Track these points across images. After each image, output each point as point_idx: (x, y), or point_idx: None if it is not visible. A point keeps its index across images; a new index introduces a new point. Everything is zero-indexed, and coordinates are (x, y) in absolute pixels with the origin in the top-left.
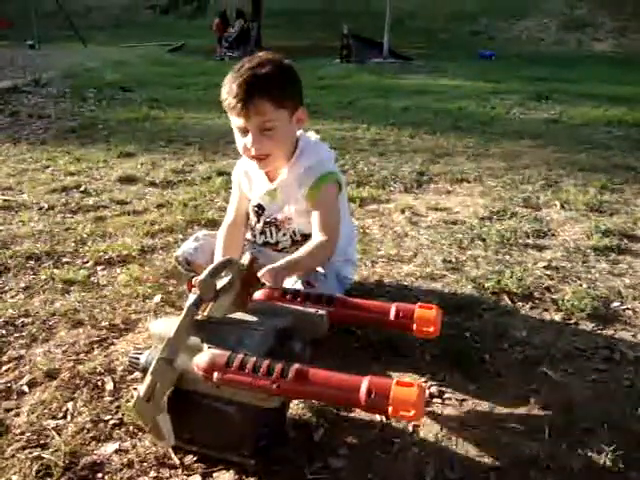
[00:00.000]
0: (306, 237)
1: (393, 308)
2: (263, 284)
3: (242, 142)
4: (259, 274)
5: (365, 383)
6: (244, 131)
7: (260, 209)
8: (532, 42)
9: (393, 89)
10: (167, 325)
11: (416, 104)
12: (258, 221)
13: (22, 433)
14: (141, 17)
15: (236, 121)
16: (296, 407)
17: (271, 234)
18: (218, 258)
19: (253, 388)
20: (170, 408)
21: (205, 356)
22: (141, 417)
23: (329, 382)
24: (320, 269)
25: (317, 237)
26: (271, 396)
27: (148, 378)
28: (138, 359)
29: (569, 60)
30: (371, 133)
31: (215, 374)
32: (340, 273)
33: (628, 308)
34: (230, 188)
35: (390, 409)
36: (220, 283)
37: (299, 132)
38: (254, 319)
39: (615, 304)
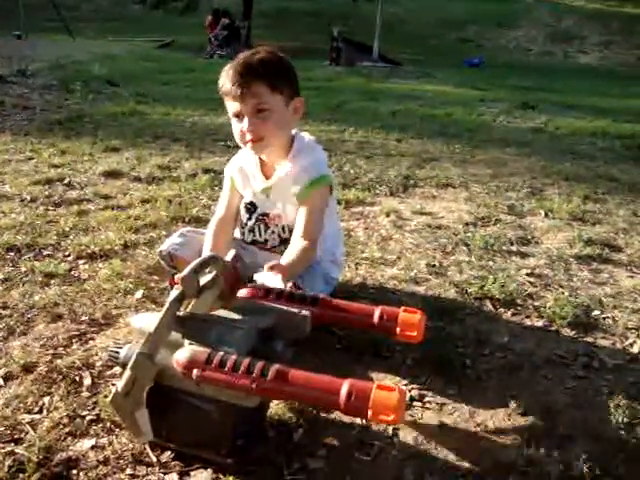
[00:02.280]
0: None
1: (377, 311)
2: (246, 282)
3: (238, 128)
4: (266, 267)
5: (346, 386)
6: (240, 116)
7: (253, 206)
8: (520, 52)
9: (382, 93)
10: (148, 320)
11: (404, 109)
12: (250, 218)
13: None
14: (130, 11)
15: (232, 106)
16: (276, 407)
17: (259, 232)
18: (206, 253)
19: (232, 387)
20: (149, 404)
21: (185, 352)
22: (119, 412)
23: (309, 383)
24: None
25: (299, 241)
26: (250, 395)
27: (127, 373)
28: (118, 353)
29: (555, 71)
30: (358, 136)
31: (195, 371)
32: (328, 274)
33: (608, 317)
34: (216, 185)
35: (370, 412)
36: (203, 280)
37: (294, 131)
38: (237, 317)
39: (596, 312)
